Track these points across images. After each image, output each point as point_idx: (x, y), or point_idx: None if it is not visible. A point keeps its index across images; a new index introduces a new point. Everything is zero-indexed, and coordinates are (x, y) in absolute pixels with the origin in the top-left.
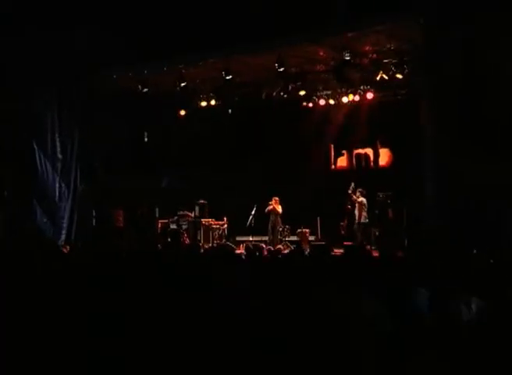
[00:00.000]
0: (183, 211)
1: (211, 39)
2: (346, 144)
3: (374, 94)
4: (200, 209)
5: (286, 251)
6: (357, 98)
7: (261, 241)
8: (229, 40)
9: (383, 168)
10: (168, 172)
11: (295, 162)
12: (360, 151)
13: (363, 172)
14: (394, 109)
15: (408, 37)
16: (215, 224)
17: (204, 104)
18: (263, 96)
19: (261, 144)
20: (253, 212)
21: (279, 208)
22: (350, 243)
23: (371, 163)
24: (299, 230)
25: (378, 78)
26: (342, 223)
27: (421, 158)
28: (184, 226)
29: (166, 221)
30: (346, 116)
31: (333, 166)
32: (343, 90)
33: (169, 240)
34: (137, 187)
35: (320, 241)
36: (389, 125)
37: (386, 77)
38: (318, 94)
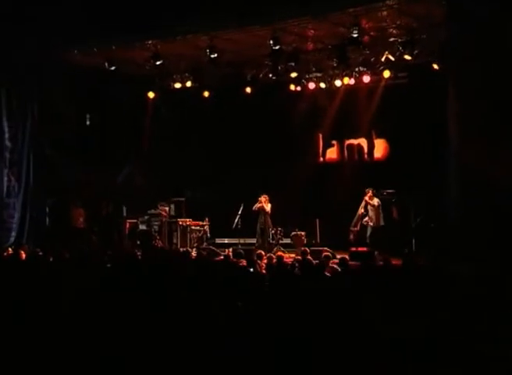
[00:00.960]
0: (156, 209)
1: (192, 11)
2: (336, 133)
3: (371, 77)
4: (176, 208)
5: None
6: (352, 81)
7: (248, 245)
8: (214, 13)
9: (379, 161)
10: (131, 164)
11: (280, 154)
12: (353, 141)
13: (356, 165)
14: (393, 95)
15: (423, 14)
16: (193, 225)
17: (178, 86)
18: (248, 78)
19: (243, 132)
20: (239, 212)
21: (269, 207)
22: (362, 248)
23: (365, 155)
24: (293, 233)
25: (383, 59)
26: (353, 228)
27: (443, 156)
28: (156, 227)
29: (135, 221)
30: (337, 102)
31: (322, 159)
32: (337, 72)
33: (139, 243)
34: (101, 181)
35: (317, 245)
36: (385, 112)
37: (392, 58)
38: (308, 76)
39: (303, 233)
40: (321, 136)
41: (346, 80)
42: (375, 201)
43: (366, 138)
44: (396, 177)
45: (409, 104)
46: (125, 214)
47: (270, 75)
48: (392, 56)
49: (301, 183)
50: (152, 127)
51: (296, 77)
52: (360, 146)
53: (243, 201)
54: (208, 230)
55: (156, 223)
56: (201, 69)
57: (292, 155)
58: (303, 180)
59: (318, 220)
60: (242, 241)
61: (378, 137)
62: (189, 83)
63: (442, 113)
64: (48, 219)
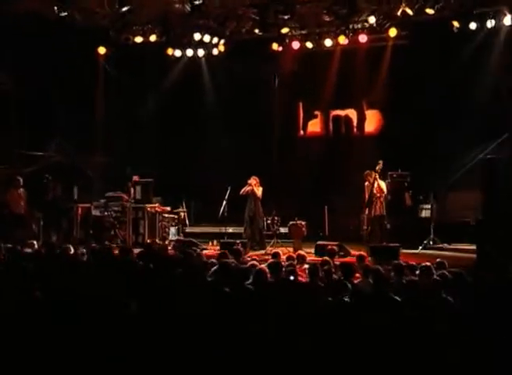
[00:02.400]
0: (116, 192)
1: None
2: (320, 102)
3: (368, 36)
4: (143, 190)
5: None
6: (346, 41)
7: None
8: None
9: (371, 135)
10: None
11: (255, 125)
12: (340, 112)
13: (343, 140)
14: (391, 59)
15: None
16: (166, 212)
17: (139, 40)
18: (227, 32)
19: (215, 99)
20: (226, 197)
21: (260, 191)
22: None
23: (355, 129)
24: (292, 223)
25: (399, 13)
26: (364, 214)
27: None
28: (116, 214)
29: (89, 206)
30: (323, 66)
31: (302, 132)
32: (330, 29)
33: (91, 232)
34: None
35: (325, 238)
36: (380, 79)
37: (411, 13)
38: (292, 33)
39: (303, 222)
40: (301, 105)
41: (342, 39)
42: (379, 182)
43: (356, 109)
44: (391, 155)
45: (410, 69)
46: (75, 197)
47: (256, 30)
48: (411, 10)
49: (279, 161)
50: (106, 94)
51: (280, 35)
52: (348, 118)
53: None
54: (185, 217)
55: (116, 209)
56: (169, 20)
57: (268, 126)
58: (280, 158)
59: (326, 207)
60: (223, 229)
61: (370, 107)
62: (153, 38)
63: (455, 80)
64: None
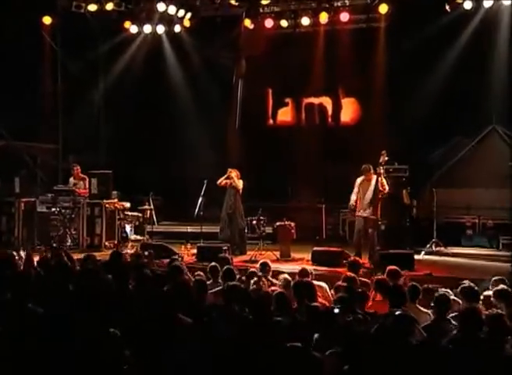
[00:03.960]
0: (67, 184)
1: None
2: (292, 89)
3: (350, 14)
4: (102, 183)
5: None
6: (325, 21)
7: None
8: None
9: (347, 126)
10: None
11: (221, 113)
12: (313, 100)
13: (316, 131)
14: (369, 42)
15: None
16: (123, 208)
17: (93, 8)
18: (197, 3)
19: (179, 80)
20: (202, 192)
21: (241, 185)
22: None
23: (329, 119)
24: (279, 224)
25: None
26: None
27: None
28: (66, 211)
29: (33, 200)
30: (297, 49)
31: (271, 121)
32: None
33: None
34: None
35: (322, 244)
36: (358, 64)
37: None
38: (263, 11)
39: (292, 224)
40: (271, 92)
41: (324, 17)
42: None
43: (331, 97)
44: (368, 148)
45: (394, 53)
46: (17, 190)
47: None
48: None
49: (244, 153)
50: (53, 71)
51: (253, 9)
52: (322, 106)
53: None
54: (153, 214)
55: (67, 205)
56: None
57: (234, 114)
58: (246, 149)
59: (323, 206)
60: (198, 229)
61: (347, 95)
62: (110, 6)
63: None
64: None
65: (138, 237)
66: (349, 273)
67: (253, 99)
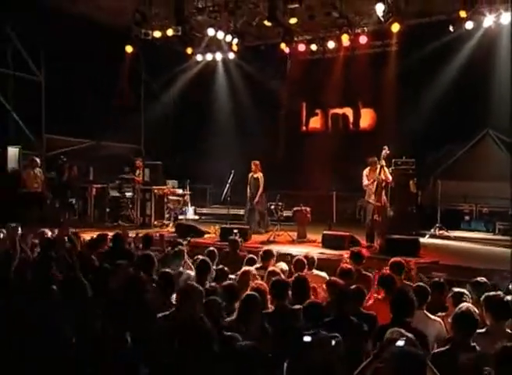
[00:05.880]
0: (129, 173)
1: None
2: (321, 102)
3: (368, 38)
4: (151, 172)
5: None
6: (347, 43)
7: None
8: None
9: (365, 131)
10: None
11: (262, 121)
12: (338, 111)
13: (340, 135)
14: (382, 63)
15: None
16: (172, 194)
17: (157, 34)
18: (237, 25)
19: (228, 96)
20: (229, 181)
21: (260, 175)
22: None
23: (351, 125)
24: (296, 208)
25: None
26: (365, 202)
27: None
28: (129, 194)
29: (104, 186)
30: (324, 71)
31: (304, 128)
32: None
33: (108, 211)
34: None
35: (332, 228)
36: (374, 81)
37: None
38: (298, 39)
39: (308, 209)
40: (304, 105)
41: (345, 38)
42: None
43: (352, 108)
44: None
45: (402, 72)
46: (91, 178)
47: (265, 22)
48: None
49: (282, 152)
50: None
51: (288, 35)
52: (345, 116)
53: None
54: (188, 199)
55: (129, 190)
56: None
57: (274, 122)
58: (284, 149)
59: (334, 194)
60: (225, 211)
61: (365, 106)
62: (170, 32)
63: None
64: None
65: (196, 217)
66: (345, 265)
67: (290, 110)
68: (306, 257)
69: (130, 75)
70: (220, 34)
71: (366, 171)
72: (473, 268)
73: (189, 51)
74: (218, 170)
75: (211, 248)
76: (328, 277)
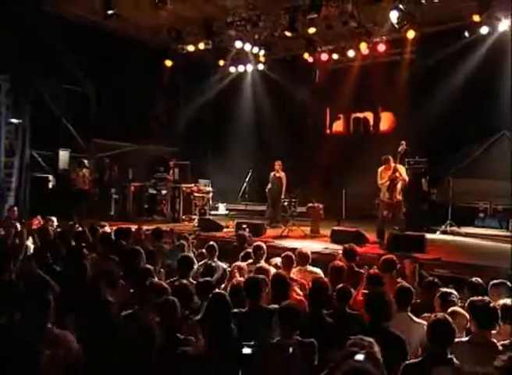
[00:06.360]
0: (163, 173)
1: None
2: (343, 107)
3: (386, 46)
4: (180, 172)
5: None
6: (366, 51)
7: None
8: None
9: (385, 133)
10: None
11: (289, 126)
12: (359, 115)
13: (361, 137)
14: (400, 69)
15: None
16: (197, 191)
17: (191, 48)
18: (262, 37)
19: (255, 103)
20: (247, 179)
21: (283, 175)
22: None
23: (371, 128)
24: (309, 205)
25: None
26: (379, 201)
27: None
28: (164, 192)
29: (141, 185)
30: (346, 78)
31: (328, 131)
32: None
33: (146, 206)
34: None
35: (341, 223)
36: (392, 86)
37: None
38: (321, 49)
39: (321, 205)
40: (328, 110)
41: (364, 46)
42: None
43: (372, 112)
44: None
45: (417, 79)
46: (130, 177)
47: (286, 33)
48: None
49: (308, 153)
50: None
51: (311, 45)
52: (366, 119)
53: (252, 168)
54: (210, 196)
55: (162, 188)
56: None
57: (300, 126)
58: (310, 151)
59: (344, 191)
60: (242, 207)
61: (385, 110)
62: (202, 46)
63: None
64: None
65: (226, 213)
66: (336, 262)
67: (315, 115)
68: (299, 253)
69: (169, 86)
70: (247, 46)
71: (380, 169)
72: (477, 265)
73: (221, 63)
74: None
75: (211, 243)
76: (322, 274)
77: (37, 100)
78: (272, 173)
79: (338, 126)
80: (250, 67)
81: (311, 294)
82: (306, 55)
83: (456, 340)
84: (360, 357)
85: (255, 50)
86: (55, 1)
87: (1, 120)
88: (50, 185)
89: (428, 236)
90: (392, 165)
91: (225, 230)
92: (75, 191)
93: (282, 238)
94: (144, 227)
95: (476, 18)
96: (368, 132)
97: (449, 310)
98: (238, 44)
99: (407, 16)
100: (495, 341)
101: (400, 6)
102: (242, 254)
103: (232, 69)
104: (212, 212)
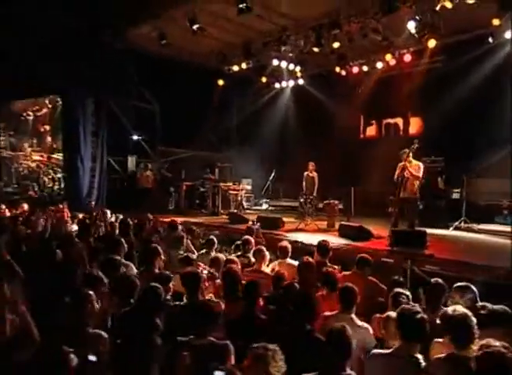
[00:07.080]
0: (207, 174)
1: None
2: (376, 114)
3: (412, 56)
4: (220, 172)
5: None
6: (392, 62)
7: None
8: None
9: (414, 137)
10: None
11: (327, 132)
12: (390, 120)
13: (392, 140)
14: (427, 76)
15: None
16: (232, 189)
17: (235, 68)
18: (294, 54)
19: (294, 115)
20: (271, 178)
21: (315, 175)
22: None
23: (401, 132)
24: (326, 202)
25: (437, 8)
26: (392, 197)
27: None
28: (208, 190)
29: (192, 184)
30: (376, 86)
31: (362, 135)
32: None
33: (197, 202)
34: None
35: (349, 219)
36: (421, 93)
37: (449, 5)
38: (352, 63)
39: (336, 202)
40: (362, 116)
41: (389, 57)
42: (415, 163)
43: (402, 117)
44: (428, 151)
45: (443, 86)
46: (183, 177)
47: (314, 48)
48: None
49: (343, 157)
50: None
51: (341, 59)
52: (396, 124)
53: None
54: (243, 194)
55: (208, 187)
56: (250, 47)
57: (336, 132)
58: (345, 154)
59: (352, 189)
60: (284, 203)
61: (413, 116)
62: (244, 65)
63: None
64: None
65: (265, 208)
66: (306, 258)
67: (350, 121)
68: (280, 247)
69: (219, 102)
70: (283, 64)
71: (399, 165)
72: (471, 263)
73: (263, 79)
74: (289, 171)
75: (211, 237)
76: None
77: (113, 116)
78: (306, 173)
79: (371, 130)
80: (290, 83)
81: (244, 292)
82: (337, 69)
83: (378, 351)
84: (219, 374)
85: (291, 66)
86: (125, 38)
87: (87, 134)
88: (121, 184)
89: (440, 232)
90: (402, 163)
91: (250, 223)
92: (140, 189)
93: (296, 231)
94: (192, 220)
95: (496, 22)
96: (398, 136)
97: (385, 314)
98: (275, 62)
99: (425, 26)
100: (418, 355)
101: (417, 17)
102: (233, 246)
103: (277, 84)
104: (255, 208)
